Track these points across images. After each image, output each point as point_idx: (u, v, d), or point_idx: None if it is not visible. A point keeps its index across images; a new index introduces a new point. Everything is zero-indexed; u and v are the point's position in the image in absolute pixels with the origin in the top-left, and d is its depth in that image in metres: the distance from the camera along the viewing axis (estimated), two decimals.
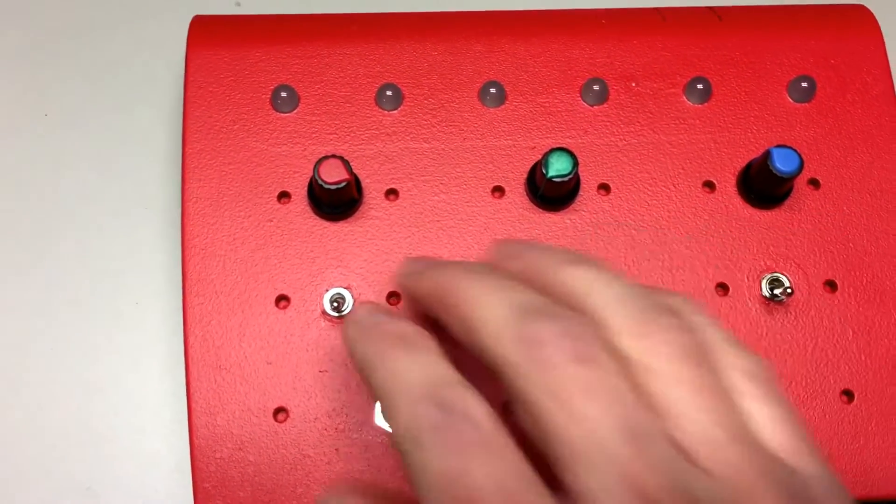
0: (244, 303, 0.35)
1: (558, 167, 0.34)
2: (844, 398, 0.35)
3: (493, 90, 0.37)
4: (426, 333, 0.24)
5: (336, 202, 0.35)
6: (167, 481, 0.38)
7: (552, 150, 0.34)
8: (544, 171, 0.34)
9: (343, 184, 0.33)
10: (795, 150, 0.34)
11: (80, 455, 0.38)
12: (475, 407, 0.22)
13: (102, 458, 0.38)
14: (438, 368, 0.23)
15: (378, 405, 0.33)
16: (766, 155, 0.34)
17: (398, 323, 0.25)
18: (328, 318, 0.34)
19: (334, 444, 0.33)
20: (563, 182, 0.34)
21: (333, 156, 0.34)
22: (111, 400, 0.39)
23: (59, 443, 0.38)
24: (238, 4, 0.46)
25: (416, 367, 0.23)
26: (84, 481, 0.38)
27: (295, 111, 0.37)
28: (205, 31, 0.38)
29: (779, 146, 0.34)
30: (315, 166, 0.33)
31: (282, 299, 0.35)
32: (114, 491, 0.38)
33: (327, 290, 0.35)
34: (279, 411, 0.34)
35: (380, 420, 0.34)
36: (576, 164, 0.34)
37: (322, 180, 0.33)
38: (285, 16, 0.39)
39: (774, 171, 0.34)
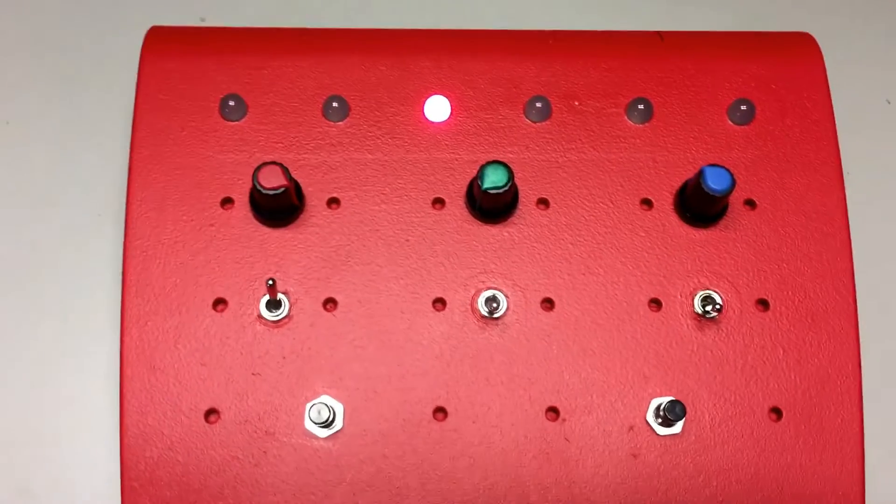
0: (182, 305, 0.35)
1: (493, 179, 0.35)
2: (773, 415, 0.35)
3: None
4: None
5: (276, 208, 0.36)
6: (107, 484, 0.38)
7: (488, 163, 0.35)
8: (480, 183, 0.35)
9: (281, 189, 0.34)
10: (728, 170, 0.35)
11: (20, 456, 0.38)
12: None
13: (42, 459, 0.39)
14: None
15: (308, 408, 0.34)
16: (699, 174, 0.35)
17: None
18: (264, 321, 0.35)
19: (263, 446, 0.34)
20: (498, 194, 0.35)
21: (273, 162, 0.34)
22: (54, 401, 0.39)
23: None
24: (203, 20, 0.47)
25: None
26: (23, 481, 0.38)
27: (243, 120, 0.38)
28: (160, 40, 0.39)
29: (711, 165, 0.35)
30: (254, 172, 0.34)
31: (219, 302, 0.35)
32: (53, 492, 0.38)
33: (264, 295, 0.35)
34: (210, 412, 0.34)
35: (309, 424, 0.34)
36: (511, 176, 0.35)
37: (261, 185, 0.34)
38: (239, 28, 0.40)
39: (707, 190, 0.35)
